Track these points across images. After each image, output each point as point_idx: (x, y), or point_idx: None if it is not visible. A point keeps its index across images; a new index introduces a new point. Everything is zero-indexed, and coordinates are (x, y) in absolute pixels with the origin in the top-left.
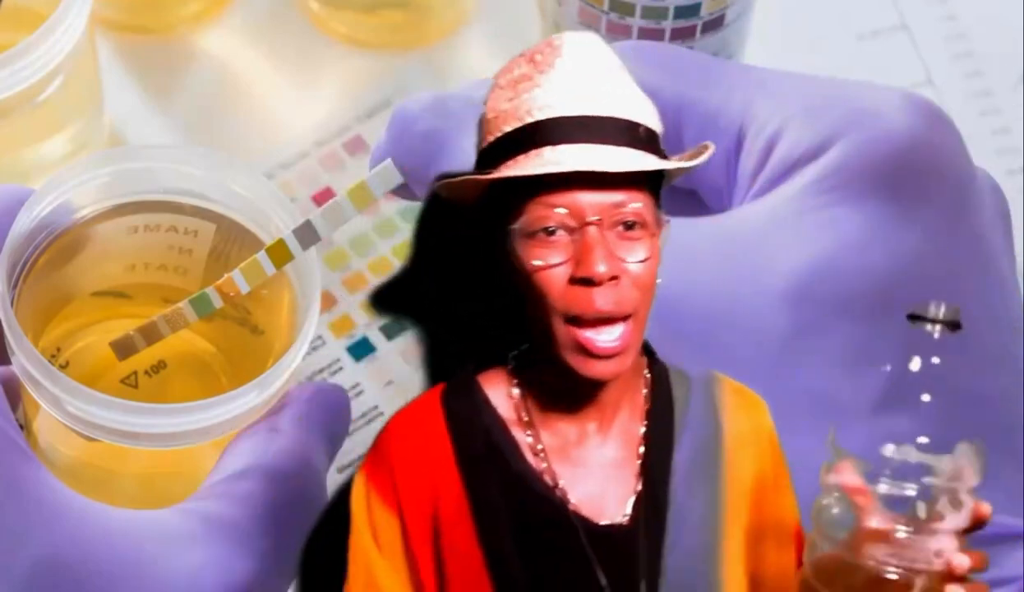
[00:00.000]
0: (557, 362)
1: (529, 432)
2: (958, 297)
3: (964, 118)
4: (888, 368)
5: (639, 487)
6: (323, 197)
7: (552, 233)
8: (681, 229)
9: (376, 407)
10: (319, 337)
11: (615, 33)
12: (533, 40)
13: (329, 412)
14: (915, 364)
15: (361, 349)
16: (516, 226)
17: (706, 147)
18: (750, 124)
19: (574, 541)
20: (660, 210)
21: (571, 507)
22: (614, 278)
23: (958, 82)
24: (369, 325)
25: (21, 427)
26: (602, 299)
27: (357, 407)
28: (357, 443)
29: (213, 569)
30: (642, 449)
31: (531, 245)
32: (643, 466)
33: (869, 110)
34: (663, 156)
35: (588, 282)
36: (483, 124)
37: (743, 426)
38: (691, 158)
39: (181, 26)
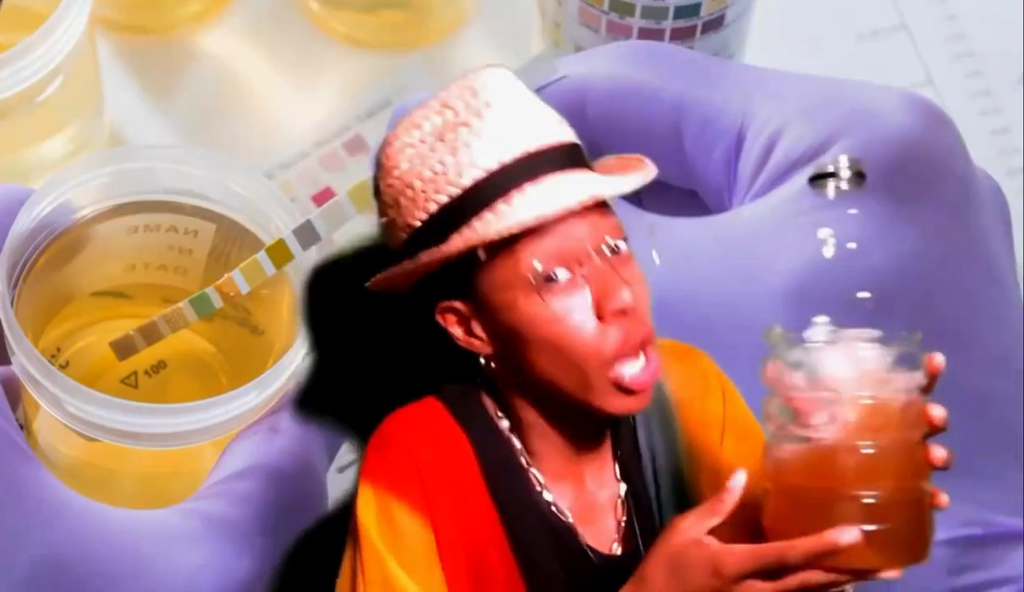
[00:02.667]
0: (584, 407)
1: (529, 463)
2: (958, 297)
3: (964, 118)
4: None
5: (623, 516)
6: (323, 197)
7: (554, 279)
8: (681, 229)
9: None
10: None
11: (615, 33)
12: (533, 40)
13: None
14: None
15: None
16: (509, 285)
17: (640, 160)
18: (750, 124)
19: (595, 571)
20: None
21: (581, 537)
22: (635, 299)
23: (958, 82)
24: None
25: (21, 427)
26: (635, 331)
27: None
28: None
29: (213, 569)
30: (617, 470)
31: (538, 299)
32: (628, 493)
33: (869, 110)
34: (588, 167)
35: (620, 316)
36: (403, 190)
37: (685, 381)
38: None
39: (181, 26)
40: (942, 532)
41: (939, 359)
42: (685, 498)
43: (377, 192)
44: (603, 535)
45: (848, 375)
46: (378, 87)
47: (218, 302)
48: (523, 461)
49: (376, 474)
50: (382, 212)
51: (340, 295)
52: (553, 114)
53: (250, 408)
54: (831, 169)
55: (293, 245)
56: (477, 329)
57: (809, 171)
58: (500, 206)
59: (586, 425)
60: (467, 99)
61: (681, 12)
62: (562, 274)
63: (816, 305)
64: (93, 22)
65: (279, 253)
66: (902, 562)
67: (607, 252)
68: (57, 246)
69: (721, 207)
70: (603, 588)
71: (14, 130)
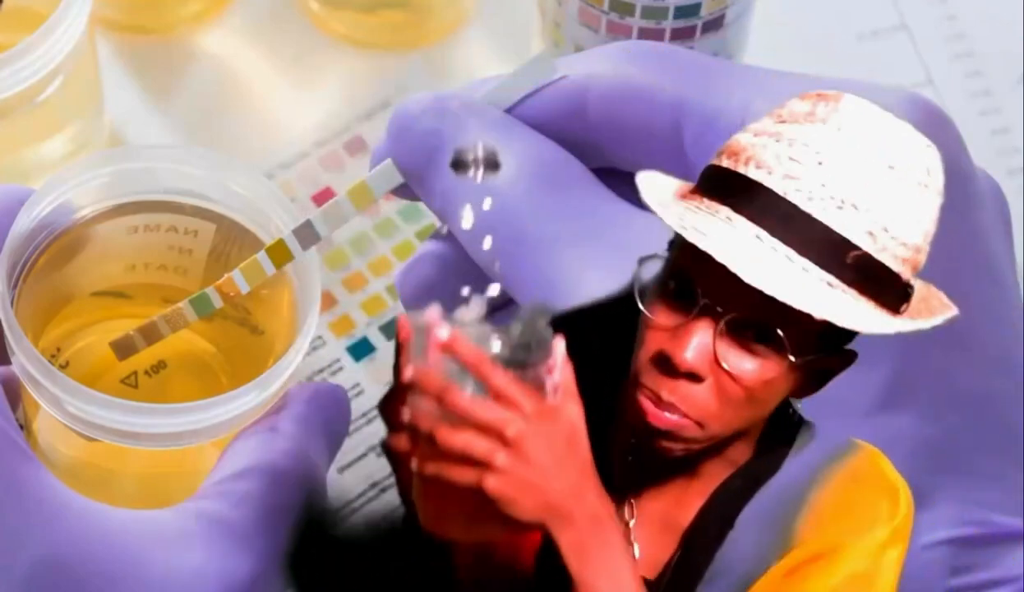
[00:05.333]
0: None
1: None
2: (958, 297)
3: (964, 118)
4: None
5: (676, 551)
6: (323, 197)
7: (679, 296)
8: None
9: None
10: (319, 337)
11: (615, 33)
12: (533, 40)
13: (329, 412)
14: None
15: (361, 349)
16: (662, 271)
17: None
18: (750, 124)
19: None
20: (821, 370)
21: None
22: (697, 378)
23: (958, 82)
24: (369, 325)
25: (21, 427)
26: (669, 389)
27: (357, 407)
28: (357, 443)
29: (213, 569)
30: (700, 512)
31: (655, 300)
32: (690, 530)
33: None
34: (866, 291)
35: (668, 366)
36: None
37: (828, 528)
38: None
39: (181, 26)
40: (942, 532)
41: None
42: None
43: None
44: (644, 557)
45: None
46: (378, 87)
47: (218, 302)
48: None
49: None
50: None
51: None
52: (883, 204)
53: (250, 408)
54: (470, 158)
55: (293, 245)
56: None
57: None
58: (712, 203)
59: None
60: (830, 109)
61: (681, 12)
62: (686, 304)
63: None
64: (93, 22)
65: (279, 253)
66: None
67: (748, 336)
68: (57, 246)
69: None
70: None
71: (14, 130)
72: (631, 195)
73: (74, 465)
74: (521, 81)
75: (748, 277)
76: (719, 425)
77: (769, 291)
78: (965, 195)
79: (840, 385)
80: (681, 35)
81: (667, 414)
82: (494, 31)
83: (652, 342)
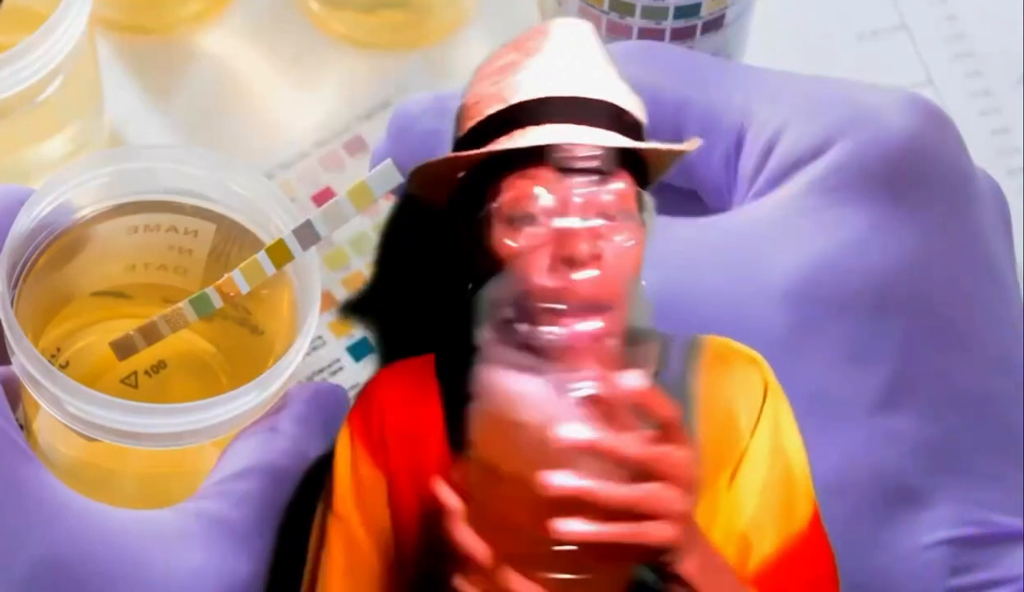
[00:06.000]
0: None
1: None
2: (958, 297)
3: (964, 118)
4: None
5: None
6: (323, 197)
7: (530, 218)
8: (681, 229)
9: None
10: (319, 337)
11: (615, 33)
12: None
13: (329, 412)
14: None
15: (361, 349)
16: (495, 206)
17: (695, 141)
18: (750, 124)
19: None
20: (643, 210)
21: None
22: (596, 258)
23: (958, 82)
24: None
25: (21, 427)
26: (584, 284)
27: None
28: None
29: (213, 569)
30: None
31: (510, 230)
32: None
33: (869, 110)
34: (638, 136)
35: (570, 263)
36: (462, 112)
37: (717, 403)
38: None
39: (181, 26)
40: (942, 532)
41: None
42: None
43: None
44: None
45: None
46: (378, 87)
47: (218, 302)
48: None
49: (354, 417)
50: (455, 125)
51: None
52: (606, 75)
53: (250, 408)
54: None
55: (293, 245)
56: (473, 251)
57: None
58: (501, 139)
59: None
60: (530, 41)
61: (681, 12)
62: (540, 217)
63: (815, 305)
64: (93, 22)
65: (279, 253)
66: None
67: (594, 216)
68: (57, 246)
69: (721, 207)
70: None
71: (14, 130)
72: None
73: (74, 465)
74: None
75: (593, 140)
76: (623, 310)
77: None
78: (965, 195)
79: (840, 385)
80: (681, 35)
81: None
82: (494, 31)
83: (533, 267)
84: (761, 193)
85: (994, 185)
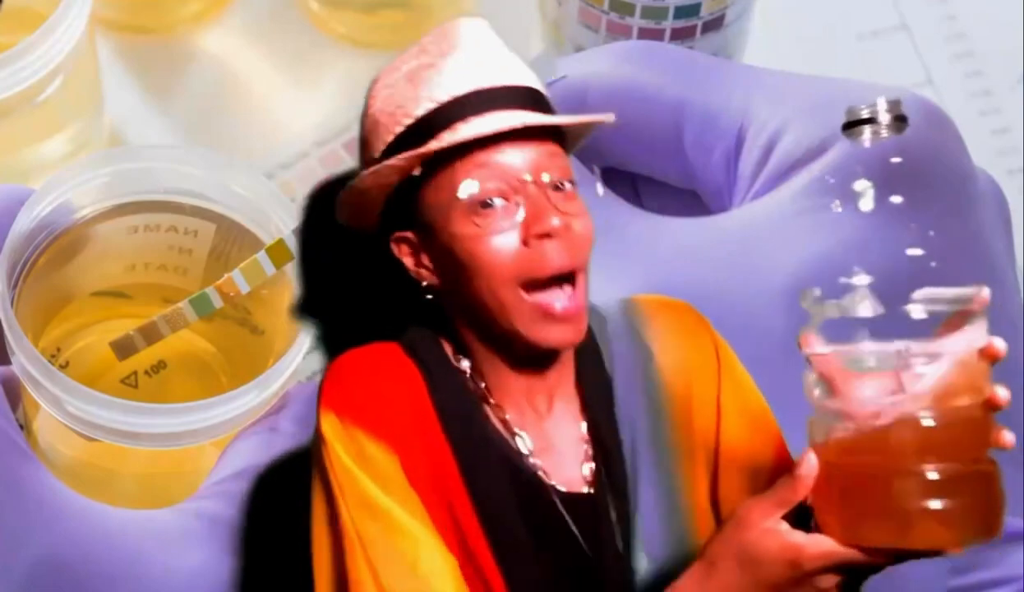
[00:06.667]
0: (514, 336)
1: (489, 401)
2: None
3: (964, 118)
4: None
5: (591, 454)
6: None
7: (489, 205)
8: (682, 229)
9: None
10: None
11: (615, 33)
12: (533, 40)
13: None
14: None
15: None
16: (447, 201)
17: (610, 115)
18: (750, 124)
19: (551, 507)
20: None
21: (541, 474)
22: (567, 228)
23: (958, 82)
24: None
25: (21, 427)
26: (558, 253)
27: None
28: None
29: (212, 568)
30: (584, 412)
31: (470, 222)
32: (589, 430)
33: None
34: (545, 111)
35: (544, 238)
36: (374, 122)
37: (673, 345)
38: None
39: (181, 26)
40: None
41: (985, 293)
42: (664, 453)
43: (362, 124)
44: (568, 472)
45: (888, 347)
46: None
47: (218, 302)
48: (481, 400)
49: (337, 402)
50: (360, 153)
51: (326, 230)
52: (516, 64)
53: (250, 408)
54: (866, 115)
55: (293, 245)
56: (425, 259)
57: (843, 118)
58: (444, 135)
59: (533, 359)
60: (439, 43)
61: (681, 12)
62: (498, 201)
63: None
64: (93, 22)
65: (279, 253)
66: (974, 538)
67: (548, 185)
68: (57, 246)
69: (721, 207)
70: (563, 523)
71: (14, 130)
72: (631, 195)
73: (74, 465)
74: None
75: (511, 123)
76: (587, 272)
77: (519, 124)
78: (965, 195)
79: None
80: (681, 35)
81: (565, 296)
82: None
83: (503, 249)
84: (761, 193)
85: (994, 185)
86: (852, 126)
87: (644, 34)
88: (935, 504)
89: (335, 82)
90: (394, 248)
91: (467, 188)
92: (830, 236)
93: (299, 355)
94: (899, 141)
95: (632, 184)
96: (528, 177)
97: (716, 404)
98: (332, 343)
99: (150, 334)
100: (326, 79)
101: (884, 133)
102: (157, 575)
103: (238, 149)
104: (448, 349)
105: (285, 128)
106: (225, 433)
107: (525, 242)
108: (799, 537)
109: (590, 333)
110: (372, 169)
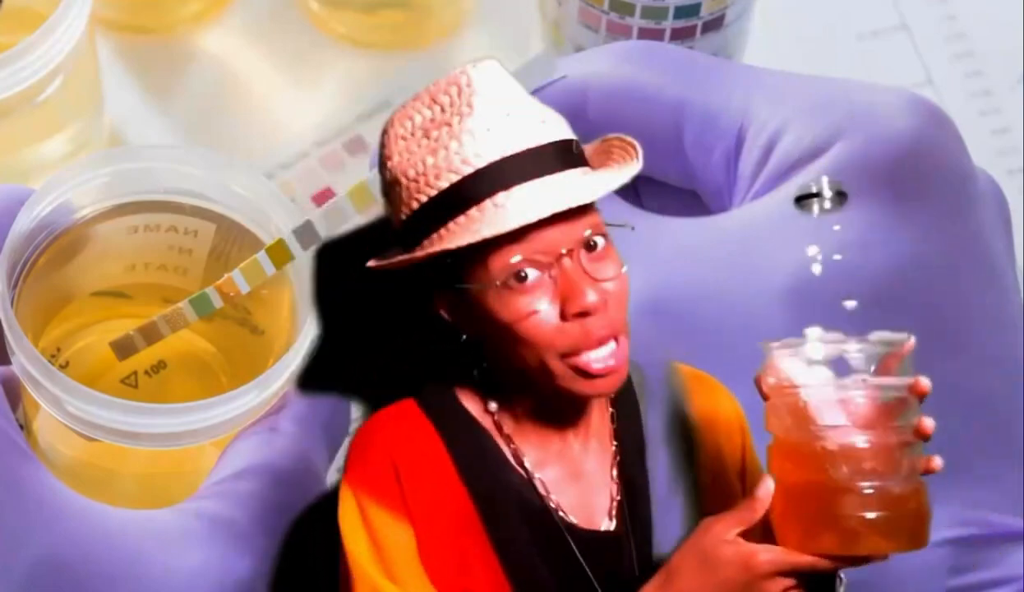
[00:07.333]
0: (556, 389)
1: (511, 445)
2: (958, 297)
3: (964, 118)
4: None
5: (618, 495)
6: (323, 197)
7: (524, 278)
8: (682, 229)
9: None
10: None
11: (615, 33)
12: (533, 40)
13: (328, 412)
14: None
15: None
16: (482, 281)
17: (633, 150)
18: (750, 124)
19: (566, 548)
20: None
21: (561, 515)
22: (604, 303)
23: (958, 82)
24: None
25: (21, 427)
26: (598, 328)
27: (357, 407)
28: None
29: (213, 569)
30: (616, 456)
31: (507, 296)
32: (620, 472)
33: (869, 110)
34: (584, 162)
35: (583, 315)
36: (398, 182)
37: (709, 411)
38: (623, 161)
39: (181, 26)
40: (942, 532)
41: (924, 382)
42: (691, 496)
43: (382, 169)
44: (593, 511)
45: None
46: (378, 87)
47: (218, 302)
48: (502, 443)
49: (355, 479)
50: (384, 192)
51: (347, 272)
52: (539, 112)
53: (250, 408)
54: (814, 190)
55: (293, 245)
56: (461, 314)
57: (794, 192)
58: (472, 212)
59: (568, 404)
60: (453, 96)
61: (681, 12)
62: (532, 274)
63: (815, 305)
64: (93, 22)
65: (279, 253)
66: (906, 546)
67: (581, 251)
68: (57, 246)
69: (721, 207)
70: (584, 563)
71: (14, 130)
72: (631, 195)
73: (74, 465)
74: (522, 80)
75: (542, 210)
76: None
77: (571, 203)
78: (965, 195)
79: None
80: (681, 35)
81: (606, 354)
82: (494, 31)
83: (543, 326)
84: (761, 193)
85: (994, 185)
86: (802, 200)
87: (644, 34)
88: (870, 514)
89: (335, 82)
90: (436, 302)
91: (499, 267)
92: (830, 236)
93: (299, 355)
94: (899, 141)
95: (632, 184)
96: (565, 250)
97: (742, 457)
98: (368, 386)
99: (150, 334)
100: (326, 79)
101: (827, 205)
102: (157, 575)
103: (238, 149)
104: (473, 394)
105: (285, 128)
106: (225, 433)
107: (563, 317)
108: (754, 545)
109: (628, 381)
110: (411, 256)
